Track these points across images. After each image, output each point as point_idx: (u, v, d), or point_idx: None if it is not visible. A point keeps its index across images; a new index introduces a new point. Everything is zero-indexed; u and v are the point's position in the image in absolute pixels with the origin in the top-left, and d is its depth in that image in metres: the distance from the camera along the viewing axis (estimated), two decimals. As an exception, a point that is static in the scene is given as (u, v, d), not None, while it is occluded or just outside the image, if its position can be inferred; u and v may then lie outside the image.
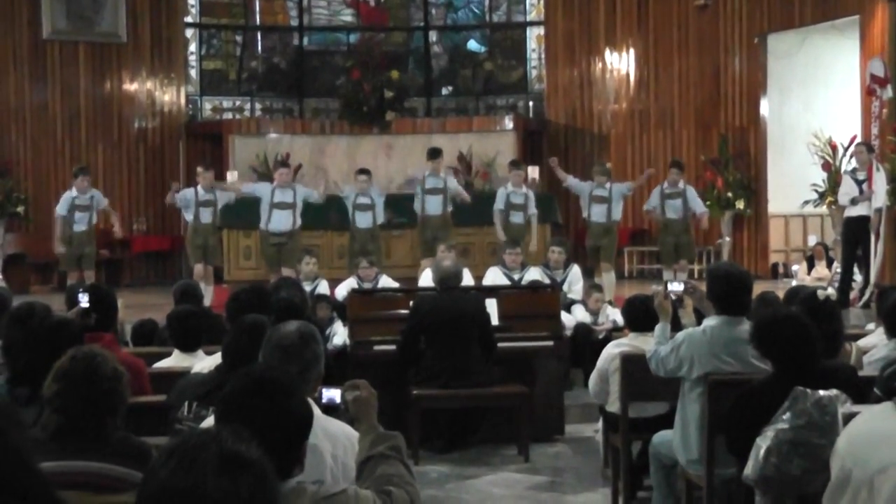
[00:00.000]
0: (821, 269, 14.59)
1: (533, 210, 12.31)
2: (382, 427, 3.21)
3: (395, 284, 10.37)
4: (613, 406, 6.61)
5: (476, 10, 18.52)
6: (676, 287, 6.02)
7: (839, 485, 2.87)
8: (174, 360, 6.12)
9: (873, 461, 2.77)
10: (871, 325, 7.01)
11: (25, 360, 4.34)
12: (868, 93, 13.17)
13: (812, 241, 15.59)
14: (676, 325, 5.86)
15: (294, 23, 18.24)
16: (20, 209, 15.28)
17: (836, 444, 2.99)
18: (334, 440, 3.31)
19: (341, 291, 10.10)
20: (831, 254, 14.47)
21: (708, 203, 15.68)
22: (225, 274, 12.91)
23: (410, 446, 7.05)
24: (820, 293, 5.44)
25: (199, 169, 12.65)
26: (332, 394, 3.24)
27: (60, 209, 12.35)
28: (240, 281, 11.48)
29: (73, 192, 12.43)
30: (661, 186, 12.77)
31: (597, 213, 12.31)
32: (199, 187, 12.27)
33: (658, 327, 5.76)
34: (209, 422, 3.36)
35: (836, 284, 11.46)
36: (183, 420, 4.41)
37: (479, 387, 7.83)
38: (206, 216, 12.22)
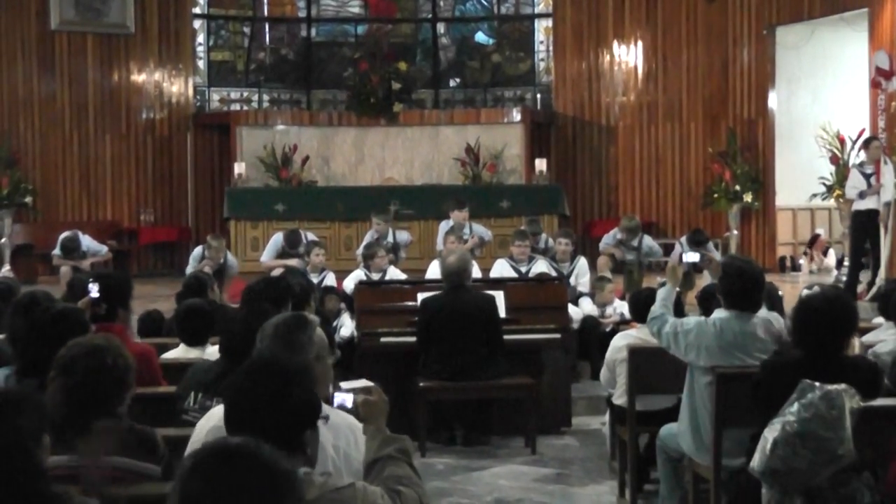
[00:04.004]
0: (817, 258, 14.94)
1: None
2: (389, 420, 3.23)
3: (403, 276, 10.34)
4: (620, 399, 6.60)
5: (484, 2, 18.47)
6: (692, 257, 5.92)
7: None
8: (181, 351, 6.12)
9: None
10: (878, 319, 6.98)
11: (32, 350, 4.30)
12: (874, 85, 13.14)
13: (822, 234, 15.62)
14: (679, 312, 5.82)
15: (302, 14, 18.21)
16: (28, 200, 15.27)
17: None
18: (336, 431, 3.32)
19: (349, 284, 10.06)
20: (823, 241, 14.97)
21: (716, 196, 15.70)
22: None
23: (417, 438, 7.07)
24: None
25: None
26: (344, 397, 3.26)
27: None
28: (247, 272, 11.44)
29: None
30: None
31: None
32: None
33: (664, 289, 5.66)
34: (215, 412, 3.38)
35: (844, 279, 11.44)
36: (189, 411, 4.42)
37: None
38: None
